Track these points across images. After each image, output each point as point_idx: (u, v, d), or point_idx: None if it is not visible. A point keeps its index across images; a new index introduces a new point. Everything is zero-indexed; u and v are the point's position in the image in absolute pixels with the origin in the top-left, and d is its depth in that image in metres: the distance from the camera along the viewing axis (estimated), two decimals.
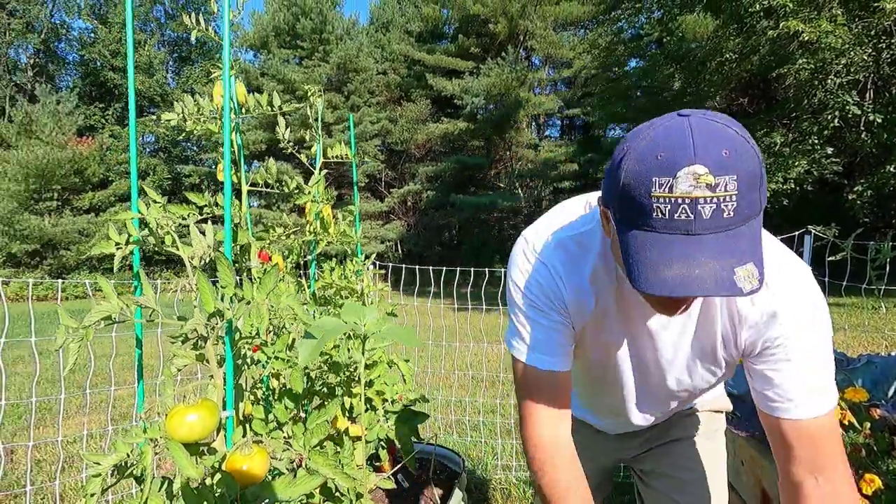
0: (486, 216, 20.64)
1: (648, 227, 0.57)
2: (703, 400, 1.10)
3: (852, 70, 6.56)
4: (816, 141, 7.07)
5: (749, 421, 1.53)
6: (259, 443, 0.82)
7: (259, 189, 1.37)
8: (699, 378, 0.89)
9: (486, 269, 3.03)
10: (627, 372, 0.93)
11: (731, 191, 0.54)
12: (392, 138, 21.88)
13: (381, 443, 1.80)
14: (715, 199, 0.54)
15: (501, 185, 21.13)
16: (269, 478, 0.77)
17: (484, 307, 3.51)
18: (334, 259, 1.71)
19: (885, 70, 6.76)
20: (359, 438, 1.67)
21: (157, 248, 0.83)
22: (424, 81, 20.77)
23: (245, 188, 1.23)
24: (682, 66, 8.99)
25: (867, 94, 7.19)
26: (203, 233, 0.85)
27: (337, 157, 1.79)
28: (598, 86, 12.23)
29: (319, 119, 1.65)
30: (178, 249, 0.82)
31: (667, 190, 0.55)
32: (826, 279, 2.29)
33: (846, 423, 1.12)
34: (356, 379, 1.66)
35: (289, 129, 1.54)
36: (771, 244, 0.77)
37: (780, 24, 6.32)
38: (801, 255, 2.34)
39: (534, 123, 23.00)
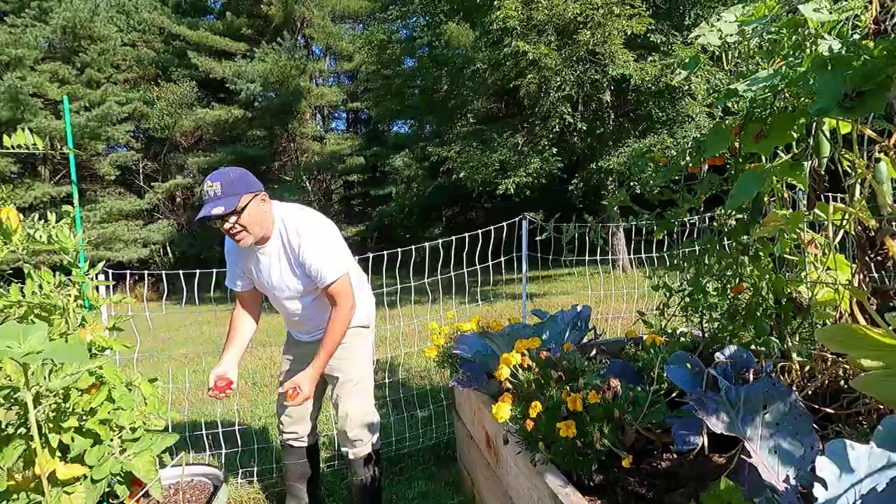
0: None
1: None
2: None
3: (564, 87, 8.29)
4: (546, 143, 8.76)
5: (475, 380, 1.83)
6: None
7: None
8: (292, 282, 1.85)
9: None
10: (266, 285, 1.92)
11: (217, 189, 1.66)
12: (150, 123, 18.66)
13: (118, 477, 1.58)
14: (213, 190, 1.67)
15: (287, 178, 20.15)
16: None
17: (267, 307, 3.33)
18: (32, 272, 1.40)
19: (587, 88, 8.73)
20: (81, 478, 1.44)
21: None
22: (187, 60, 18.27)
23: None
24: (447, 70, 10.00)
25: (578, 107, 9.19)
26: None
27: (21, 146, 1.47)
28: (377, 82, 12.67)
29: None
30: None
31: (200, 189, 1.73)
32: (539, 255, 2.85)
33: (525, 365, 1.44)
34: (68, 410, 1.41)
35: None
36: (301, 213, 1.86)
37: (512, 44, 7.57)
38: (520, 237, 2.89)
39: (318, 115, 22.50)
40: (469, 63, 8.92)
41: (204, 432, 2.64)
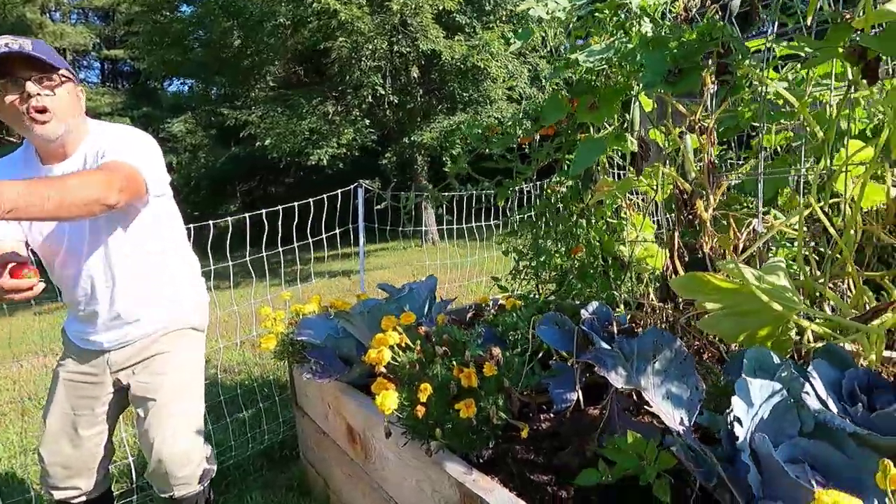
0: None
1: None
2: (158, 318, 1.49)
3: (376, 56, 8.10)
4: (358, 114, 8.47)
5: (332, 368, 1.59)
6: None
7: None
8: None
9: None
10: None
11: (26, 44, 1.20)
12: None
13: None
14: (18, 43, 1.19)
15: (13, 138, 15.34)
16: None
17: (34, 302, 2.40)
18: None
19: (396, 61, 8.69)
20: None
21: None
22: None
23: None
24: (239, 22, 8.72)
25: (387, 79, 9.10)
26: None
27: None
28: (145, 26, 10.36)
29: None
30: None
31: None
32: (376, 226, 2.68)
33: (404, 344, 1.28)
34: None
35: None
36: (120, 127, 1.45)
37: (322, 0, 7.02)
38: (356, 206, 2.66)
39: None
40: (269, 17, 7.94)
41: None
